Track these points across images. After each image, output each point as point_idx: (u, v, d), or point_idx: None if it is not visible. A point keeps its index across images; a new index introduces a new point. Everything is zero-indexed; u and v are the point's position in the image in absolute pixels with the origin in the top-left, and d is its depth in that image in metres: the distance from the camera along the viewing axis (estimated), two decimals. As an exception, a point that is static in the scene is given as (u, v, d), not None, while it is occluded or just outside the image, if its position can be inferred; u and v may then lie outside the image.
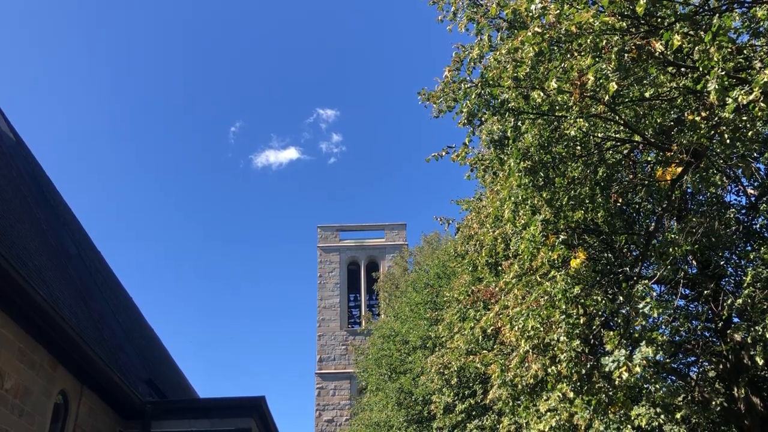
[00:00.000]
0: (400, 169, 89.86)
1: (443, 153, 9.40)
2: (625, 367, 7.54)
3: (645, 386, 8.12)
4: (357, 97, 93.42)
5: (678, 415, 8.73)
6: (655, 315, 7.85)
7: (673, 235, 8.53)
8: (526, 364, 8.98)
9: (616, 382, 7.81)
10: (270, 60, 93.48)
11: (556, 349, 8.43)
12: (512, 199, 8.80)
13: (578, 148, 8.47)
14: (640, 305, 7.82)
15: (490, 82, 7.98)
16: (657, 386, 7.93)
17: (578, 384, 8.43)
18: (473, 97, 8.28)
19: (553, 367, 8.57)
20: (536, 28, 6.96)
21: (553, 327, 8.49)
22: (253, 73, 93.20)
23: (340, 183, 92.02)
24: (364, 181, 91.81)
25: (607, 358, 7.86)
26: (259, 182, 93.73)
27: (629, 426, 8.53)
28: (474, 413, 15.31)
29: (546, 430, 9.16)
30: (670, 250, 8.40)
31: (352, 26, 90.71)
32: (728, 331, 9.04)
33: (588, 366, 8.36)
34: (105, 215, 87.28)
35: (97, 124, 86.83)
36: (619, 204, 9.15)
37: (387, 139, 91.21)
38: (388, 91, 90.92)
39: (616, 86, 6.70)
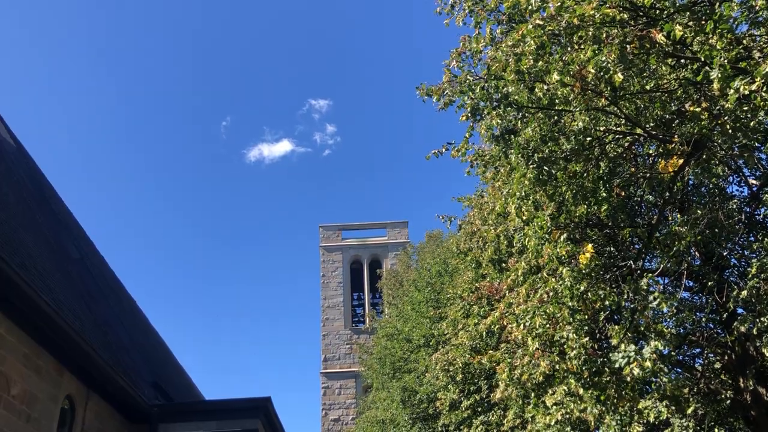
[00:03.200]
0: (399, 165, 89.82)
1: (443, 150, 9.35)
2: (636, 363, 7.52)
3: (653, 380, 8.11)
4: (349, 86, 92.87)
5: (689, 411, 8.72)
6: (665, 309, 7.84)
7: (676, 227, 8.52)
8: (534, 362, 8.97)
9: (628, 379, 7.79)
10: (257, 51, 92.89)
11: (565, 346, 8.41)
12: (516, 194, 8.77)
13: (580, 141, 8.45)
14: (649, 299, 7.81)
15: (494, 75, 7.93)
16: (666, 379, 7.92)
17: (587, 379, 8.42)
18: (477, 90, 8.22)
19: (562, 364, 8.56)
20: (537, 21, 6.93)
21: (560, 324, 8.47)
22: (239, 65, 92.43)
23: (337, 176, 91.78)
24: (361, 173, 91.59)
25: (616, 353, 7.83)
26: (255, 178, 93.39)
27: (639, 421, 8.51)
28: (480, 409, 15.29)
29: (552, 423, 9.15)
30: (675, 242, 8.39)
31: (340, 14, 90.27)
32: (735, 324, 9.02)
33: (598, 362, 8.35)
34: (102, 218, 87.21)
35: (85, 124, 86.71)
36: (621, 197, 9.13)
37: (383, 129, 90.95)
38: (383, 82, 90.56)
39: (620, 77, 6.66)
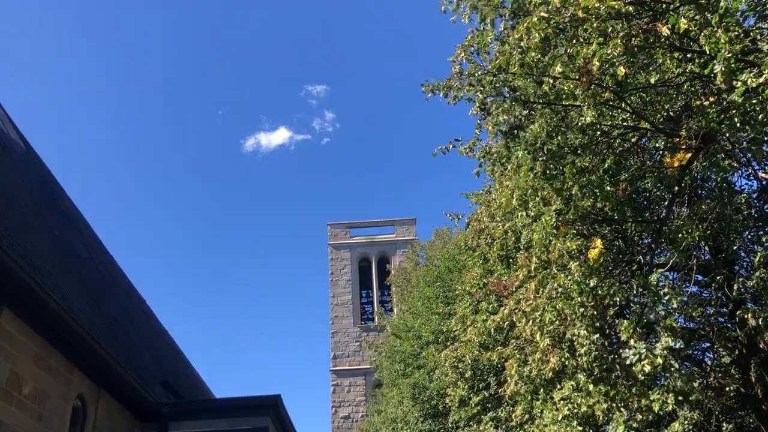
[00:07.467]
0: (407, 164, 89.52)
1: (450, 146, 9.33)
2: (647, 360, 7.49)
3: (664, 375, 8.08)
4: (347, 72, 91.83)
5: (692, 398, 8.69)
6: (675, 305, 7.81)
7: (681, 222, 8.48)
8: (544, 358, 8.95)
9: (639, 376, 7.76)
10: (250, 37, 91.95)
11: (576, 342, 8.39)
12: (522, 188, 8.75)
13: (587, 136, 8.42)
14: (661, 294, 7.78)
15: (497, 70, 7.91)
16: (676, 376, 7.88)
17: (597, 376, 8.40)
18: (486, 84, 8.19)
19: (571, 361, 8.54)
20: (542, 14, 6.90)
21: (569, 319, 8.45)
22: (232, 53, 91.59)
23: (338, 166, 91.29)
24: (363, 165, 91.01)
25: (627, 350, 7.81)
26: (255, 169, 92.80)
27: (648, 414, 8.49)
28: (489, 405, 15.29)
29: (560, 419, 9.13)
30: (680, 236, 8.36)
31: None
32: (737, 312, 8.98)
33: (609, 360, 8.32)
34: (103, 217, 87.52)
35: (80, 119, 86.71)
36: (628, 192, 9.09)
37: (385, 118, 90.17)
38: (383, 73, 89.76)
39: (624, 70, 6.62)
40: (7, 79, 73.49)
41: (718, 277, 9.35)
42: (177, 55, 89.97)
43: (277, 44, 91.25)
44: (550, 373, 8.96)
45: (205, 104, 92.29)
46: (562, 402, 9.03)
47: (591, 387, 8.48)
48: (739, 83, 6.20)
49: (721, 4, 6.26)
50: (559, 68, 6.99)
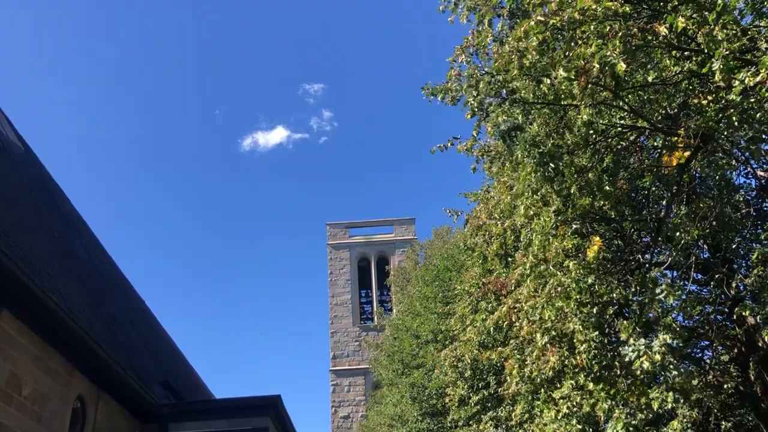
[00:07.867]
0: (406, 164, 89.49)
1: (449, 144, 9.33)
2: (645, 356, 7.51)
3: (663, 373, 8.10)
4: (343, 69, 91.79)
5: (693, 397, 8.72)
6: (671, 302, 7.83)
7: (679, 220, 8.50)
8: (543, 357, 8.95)
9: (638, 372, 7.78)
10: (247, 37, 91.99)
11: (575, 340, 8.40)
12: (524, 192, 8.74)
13: (581, 134, 8.41)
14: (657, 291, 7.80)
15: (495, 72, 7.92)
16: (675, 373, 7.90)
17: (597, 374, 8.41)
18: (482, 85, 8.19)
19: (571, 359, 8.55)
20: (539, 17, 6.90)
21: (568, 317, 8.46)
22: (229, 53, 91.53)
23: (336, 165, 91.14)
24: (361, 164, 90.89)
25: (626, 347, 7.83)
26: (253, 168, 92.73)
27: (647, 413, 8.51)
28: (489, 404, 15.30)
29: (558, 417, 9.15)
30: (678, 234, 8.37)
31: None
32: (736, 310, 9.00)
33: (608, 357, 8.34)
34: (102, 217, 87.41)
35: (75, 120, 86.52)
36: (626, 190, 9.10)
37: (382, 118, 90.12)
38: (378, 66, 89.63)
39: (624, 66, 6.61)
40: (7, 79, 73.46)
41: (716, 275, 9.36)
42: (174, 54, 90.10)
43: (274, 43, 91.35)
44: (551, 372, 8.97)
45: (202, 104, 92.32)
46: (562, 401, 9.04)
47: (592, 386, 8.49)
48: (737, 82, 6.20)
49: (719, 1, 6.26)
50: (562, 72, 6.96)
